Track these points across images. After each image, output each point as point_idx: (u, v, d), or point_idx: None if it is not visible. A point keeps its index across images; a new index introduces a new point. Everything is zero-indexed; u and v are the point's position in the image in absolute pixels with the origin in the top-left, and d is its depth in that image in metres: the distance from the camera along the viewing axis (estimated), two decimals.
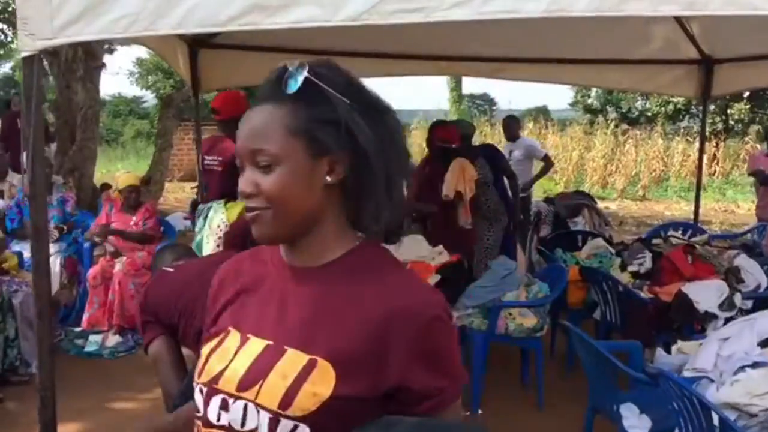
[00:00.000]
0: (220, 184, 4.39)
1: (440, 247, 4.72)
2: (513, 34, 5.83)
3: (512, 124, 7.86)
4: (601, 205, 13.84)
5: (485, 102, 37.83)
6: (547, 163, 7.73)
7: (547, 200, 6.82)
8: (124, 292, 5.26)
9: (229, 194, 4.35)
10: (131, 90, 30.83)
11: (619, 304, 4.46)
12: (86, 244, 5.66)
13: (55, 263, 5.46)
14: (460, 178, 5.12)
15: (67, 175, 9.82)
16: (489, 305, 4.31)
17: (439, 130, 5.51)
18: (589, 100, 22.13)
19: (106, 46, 16.01)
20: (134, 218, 5.65)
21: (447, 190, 5.02)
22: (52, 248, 5.52)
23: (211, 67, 6.00)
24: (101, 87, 10.63)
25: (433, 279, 4.43)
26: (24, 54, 2.11)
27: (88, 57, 9.94)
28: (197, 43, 5.82)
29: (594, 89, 20.84)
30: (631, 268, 4.78)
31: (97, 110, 10.32)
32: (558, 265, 4.78)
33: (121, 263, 5.43)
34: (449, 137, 5.28)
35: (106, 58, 26.35)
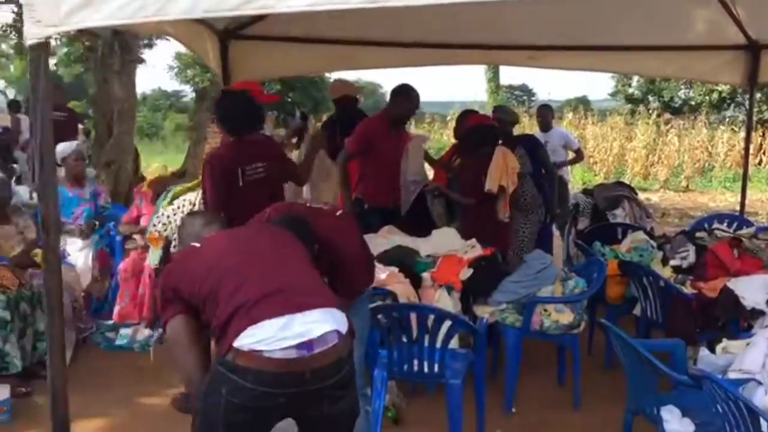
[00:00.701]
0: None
1: (473, 240, 4.58)
2: (548, 20, 5.67)
3: (546, 114, 7.74)
4: (642, 196, 13.49)
5: (523, 93, 37.42)
6: (578, 155, 7.62)
7: (586, 192, 6.61)
8: (155, 285, 5.22)
9: None
10: (171, 85, 31.24)
11: (660, 300, 4.27)
12: (118, 237, 5.65)
13: (87, 256, 5.47)
14: (503, 171, 4.97)
15: (104, 168, 9.92)
16: (523, 301, 4.17)
17: (473, 118, 5.38)
18: (630, 90, 21.68)
19: (145, 41, 16.17)
20: None
21: (491, 184, 4.86)
22: (84, 242, 5.55)
23: (242, 59, 5.95)
24: (142, 82, 10.73)
25: (465, 273, 4.30)
26: (30, 42, 2.04)
27: (124, 51, 9.97)
28: (228, 35, 5.78)
29: (635, 78, 20.38)
30: (673, 263, 4.59)
31: (134, 104, 10.35)
32: (596, 259, 4.60)
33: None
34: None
35: (146, 54, 26.57)
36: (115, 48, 9.97)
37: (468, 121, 5.29)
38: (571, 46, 6.22)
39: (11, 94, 27.34)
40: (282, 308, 2.20)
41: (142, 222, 5.62)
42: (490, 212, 4.98)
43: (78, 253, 5.49)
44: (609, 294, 4.71)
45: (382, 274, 4.14)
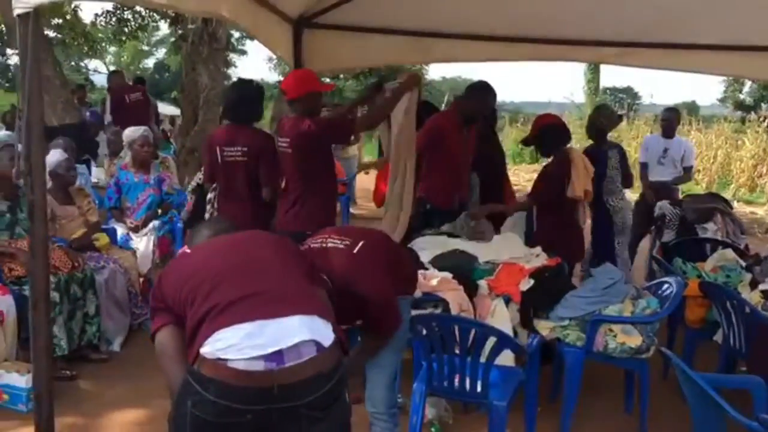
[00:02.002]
0: (290, 165, 4.14)
1: (537, 249, 4.25)
2: (644, 14, 5.21)
3: (672, 119, 6.85)
4: (747, 209, 12.66)
5: (627, 95, 36.02)
6: (686, 174, 6.76)
7: (674, 202, 6.08)
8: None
9: (303, 175, 4.11)
10: (273, 76, 31.97)
11: (745, 328, 3.81)
12: (179, 224, 5.62)
13: (149, 242, 5.45)
14: (586, 176, 4.62)
15: (188, 155, 10.06)
16: (587, 318, 3.81)
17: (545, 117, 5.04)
18: (741, 96, 20.36)
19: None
20: None
21: (577, 190, 4.51)
22: (146, 228, 5.54)
23: (316, 48, 5.78)
24: (245, 73, 10.85)
25: (526, 284, 3.98)
26: (18, 11, 1.90)
27: (212, 39, 10.09)
28: (302, 24, 5.63)
29: (747, 83, 19.11)
30: (762, 287, 4.09)
31: (219, 92, 10.44)
32: (673, 277, 4.16)
33: None
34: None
35: (248, 45, 26.90)
36: (204, 36, 10.12)
37: (540, 120, 4.94)
38: (668, 43, 5.71)
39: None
40: (253, 312, 1.97)
41: None
42: (569, 219, 4.63)
43: (141, 238, 5.49)
44: (688, 316, 4.28)
45: (434, 279, 3.89)
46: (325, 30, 5.76)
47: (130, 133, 5.72)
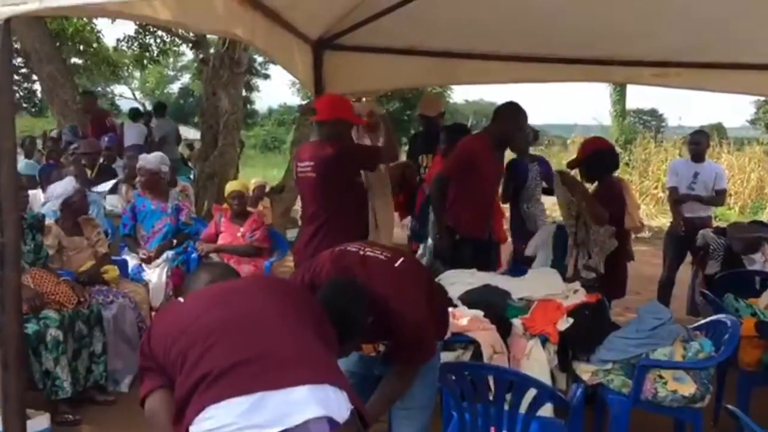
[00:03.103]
0: (313, 192, 3.86)
1: (576, 284, 3.92)
2: (683, 32, 4.90)
3: (701, 142, 6.51)
4: None
5: (653, 117, 35.53)
6: (718, 198, 6.44)
7: (717, 230, 5.70)
8: None
9: (327, 203, 3.84)
10: (295, 100, 32.09)
11: None
12: (194, 255, 5.36)
13: (162, 274, 5.20)
14: (635, 207, 4.31)
15: (207, 180, 9.87)
16: (634, 362, 3.46)
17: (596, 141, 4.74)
18: None
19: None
20: (242, 229, 5.30)
21: (636, 219, 4.22)
22: (159, 258, 5.29)
23: (337, 70, 5.54)
24: (269, 97, 10.71)
25: (564, 323, 3.65)
26: None
27: (232, 64, 9.93)
28: (322, 45, 5.40)
29: None
30: None
31: (240, 116, 10.28)
32: (728, 315, 3.80)
33: None
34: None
35: (271, 69, 27.00)
36: (225, 60, 9.97)
37: (589, 144, 4.63)
38: (704, 63, 5.40)
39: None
40: (251, 382, 1.66)
41: (220, 240, 5.32)
42: (621, 251, 4.31)
43: (153, 269, 5.24)
44: (742, 358, 3.90)
45: (464, 318, 3.58)
46: (346, 52, 5.53)
47: (145, 159, 5.50)
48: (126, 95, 35.76)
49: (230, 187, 5.55)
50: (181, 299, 2.05)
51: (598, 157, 4.41)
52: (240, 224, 5.34)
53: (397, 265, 2.45)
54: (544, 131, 32.54)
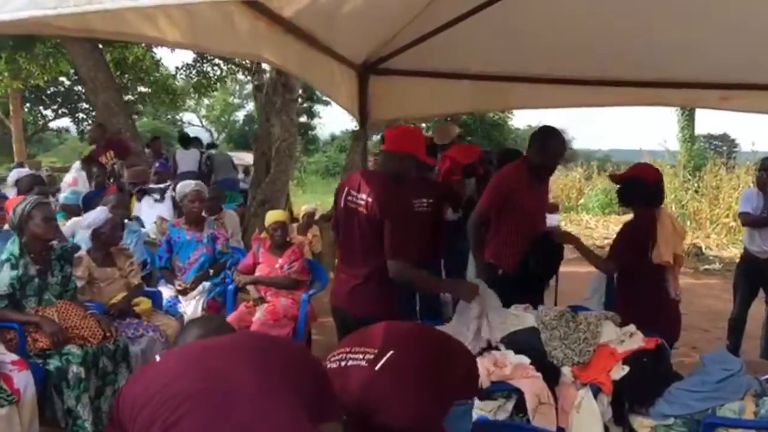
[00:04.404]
0: (364, 230, 3.43)
1: (631, 327, 3.54)
2: (751, 52, 4.50)
3: None
4: None
5: (724, 142, 34.28)
6: None
7: None
8: None
9: (371, 243, 3.41)
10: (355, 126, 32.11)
11: None
12: (231, 286, 5.18)
13: (197, 306, 5.04)
14: (675, 238, 3.91)
15: (259, 207, 9.79)
16: (698, 418, 3.08)
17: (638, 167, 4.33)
18: None
19: None
20: (280, 260, 5.09)
21: (664, 255, 3.79)
22: (196, 290, 5.13)
23: (383, 95, 5.35)
24: (333, 123, 10.64)
25: (619, 371, 3.30)
26: None
27: (285, 90, 9.87)
28: (367, 70, 5.20)
29: None
30: None
31: (292, 143, 10.19)
32: None
33: (261, 311, 4.87)
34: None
35: None
36: (278, 87, 9.93)
37: (633, 169, 4.26)
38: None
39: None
40: None
41: (258, 271, 5.13)
42: (655, 289, 3.89)
43: (189, 301, 5.08)
44: None
45: (507, 366, 3.26)
46: (392, 76, 5.32)
47: (181, 188, 5.38)
48: (194, 122, 36.68)
49: (272, 217, 5.35)
50: (158, 357, 1.82)
51: (633, 184, 4.03)
52: (279, 255, 5.13)
53: (378, 367, 2.14)
54: (607, 156, 31.73)
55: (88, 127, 17.62)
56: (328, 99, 32.03)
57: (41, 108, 21.95)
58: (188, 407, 1.55)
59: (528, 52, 4.82)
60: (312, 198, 15.96)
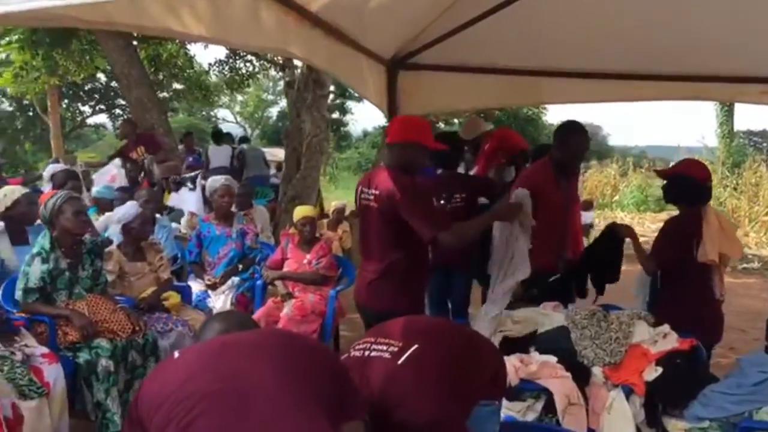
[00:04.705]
0: (377, 225, 3.45)
1: (665, 327, 3.45)
2: None
3: None
4: None
5: (764, 138, 33.50)
6: None
7: None
8: None
9: (391, 239, 3.43)
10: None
11: None
12: (259, 282, 5.18)
13: (226, 301, 5.05)
14: (722, 237, 3.78)
15: (289, 203, 9.80)
16: (734, 421, 2.99)
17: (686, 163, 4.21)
18: None
19: None
20: (308, 256, 5.08)
21: (710, 253, 3.67)
22: (225, 285, 5.15)
23: (412, 90, 5.28)
24: (365, 120, 10.62)
25: (652, 372, 3.22)
26: None
27: (316, 85, 9.86)
28: (396, 65, 5.16)
29: None
30: None
31: (323, 138, 10.18)
32: None
33: (288, 306, 4.87)
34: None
35: None
36: (309, 83, 9.92)
37: (679, 166, 4.14)
38: None
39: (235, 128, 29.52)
40: None
41: (286, 267, 5.12)
42: (699, 288, 3.77)
43: (218, 296, 5.10)
44: None
45: (534, 364, 3.20)
46: (421, 71, 5.26)
47: (211, 183, 5.39)
48: (228, 119, 36.97)
49: (300, 212, 5.34)
50: (176, 354, 1.80)
51: (677, 182, 3.91)
52: (307, 251, 5.12)
53: (401, 361, 2.09)
54: (643, 153, 31.21)
55: None
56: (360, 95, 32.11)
57: (79, 104, 22.29)
58: (204, 407, 1.53)
59: (560, 45, 4.72)
60: (344, 194, 15.95)
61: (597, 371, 3.26)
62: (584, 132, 4.21)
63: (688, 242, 3.70)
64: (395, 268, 3.39)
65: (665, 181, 4.04)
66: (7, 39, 10.60)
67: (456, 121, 19.54)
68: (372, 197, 3.46)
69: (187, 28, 2.32)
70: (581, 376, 3.22)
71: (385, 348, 2.14)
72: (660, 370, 3.21)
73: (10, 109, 21.72)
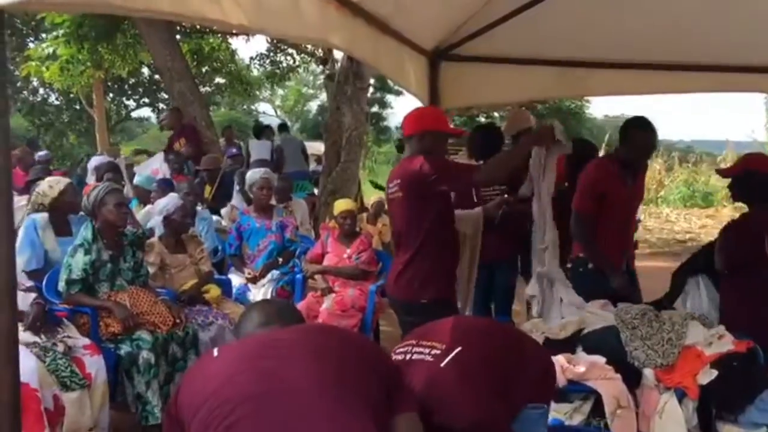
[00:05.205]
0: (402, 213, 3.45)
1: (720, 328, 3.31)
2: None
3: None
4: None
5: None
6: None
7: None
8: None
9: (416, 228, 3.40)
10: None
11: None
12: (299, 275, 5.15)
13: (267, 294, 5.03)
14: None
15: (329, 197, 9.78)
16: None
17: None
18: None
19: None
20: (348, 250, 5.02)
21: None
22: (265, 278, 5.13)
23: (454, 82, 5.17)
24: (404, 113, 10.61)
25: (707, 375, 3.08)
26: None
27: (356, 78, 9.81)
28: (438, 56, 5.06)
29: None
30: None
31: (362, 132, 10.14)
32: None
33: (329, 301, 4.82)
34: None
35: None
36: (349, 76, 9.87)
37: (745, 162, 3.98)
38: None
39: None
40: None
41: (326, 261, 5.08)
42: (764, 288, 3.59)
43: (259, 289, 5.08)
44: None
45: (582, 364, 3.09)
46: (464, 62, 5.14)
47: (251, 175, 5.37)
48: (269, 112, 37.21)
49: (341, 206, 5.29)
50: (215, 352, 1.74)
51: (748, 178, 3.74)
52: (347, 245, 5.07)
53: (444, 363, 2.01)
54: (689, 147, 30.47)
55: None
56: (399, 89, 31.91)
57: (123, 98, 22.64)
58: (243, 412, 1.48)
59: (609, 35, 4.57)
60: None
61: (648, 373, 3.14)
62: (651, 128, 4.06)
63: (760, 241, 3.54)
64: (421, 257, 3.39)
65: (730, 180, 3.89)
66: (54, 33, 10.78)
67: (496, 114, 19.30)
68: (396, 188, 3.49)
69: (226, 16, 2.27)
70: (632, 377, 3.11)
71: (427, 351, 2.06)
72: (715, 372, 3.07)
73: (57, 102, 22.12)
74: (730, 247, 3.65)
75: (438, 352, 2.06)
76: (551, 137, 3.63)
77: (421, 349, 2.09)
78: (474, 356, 2.05)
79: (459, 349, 2.05)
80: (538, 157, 3.79)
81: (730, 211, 13.66)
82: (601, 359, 3.12)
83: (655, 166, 21.11)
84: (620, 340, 3.25)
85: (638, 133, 4.00)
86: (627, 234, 4.16)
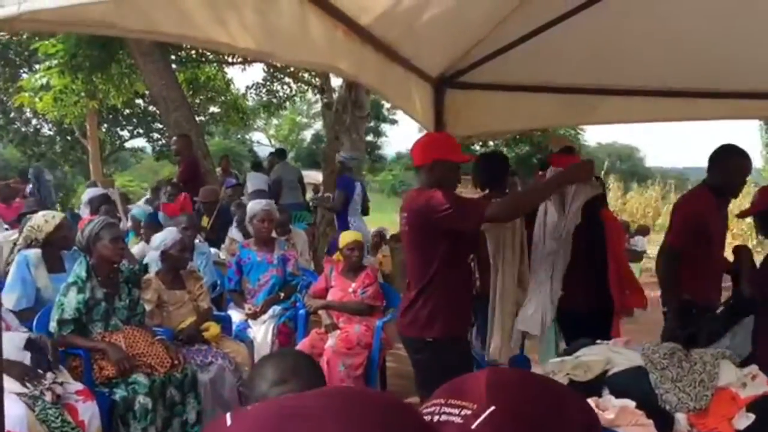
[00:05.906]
0: (410, 249, 3.30)
1: (753, 368, 3.11)
2: None
3: None
4: None
5: None
6: None
7: None
8: (333, 373, 4.40)
9: (423, 263, 3.22)
10: None
11: None
12: (302, 311, 4.95)
13: (268, 331, 4.83)
14: None
15: (327, 227, 9.60)
16: None
17: None
18: None
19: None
20: (353, 284, 4.82)
21: None
22: (266, 314, 4.93)
23: (460, 110, 5.03)
24: (398, 142, 10.47)
25: (743, 420, 2.88)
26: None
27: (354, 107, 9.70)
28: (443, 83, 4.92)
29: None
30: None
31: (361, 161, 10.00)
32: None
33: (333, 338, 4.61)
34: None
35: (399, 114, 27.05)
36: (347, 105, 9.76)
37: (762, 199, 3.83)
38: None
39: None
40: None
41: (330, 296, 4.88)
42: None
43: (259, 325, 4.87)
44: None
45: (611, 410, 2.88)
46: (470, 90, 5.01)
47: (251, 207, 5.19)
48: (263, 142, 37.20)
49: (347, 237, 5.08)
50: (228, 419, 1.53)
51: None
52: (352, 279, 4.87)
53: (476, 426, 1.80)
54: (682, 174, 30.49)
55: (162, 147, 17.96)
56: (394, 118, 31.99)
57: (117, 129, 22.50)
58: None
59: (618, 62, 4.45)
60: (378, 217, 15.71)
61: (681, 418, 2.94)
62: (746, 154, 3.93)
63: None
64: (427, 295, 3.21)
65: (753, 217, 3.75)
66: (48, 63, 10.64)
67: (491, 143, 19.22)
68: (404, 220, 3.33)
69: (233, 39, 2.11)
70: (663, 423, 2.90)
71: (457, 411, 1.83)
72: (752, 417, 2.88)
73: (50, 133, 21.97)
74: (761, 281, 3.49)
75: (469, 412, 1.83)
76: (591, 174, 3.40)
77: (450, 410, 1.86)
78: (508, 417, 1.83)
79: (492, 409, 1.83)
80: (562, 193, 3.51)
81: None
82: (630, 403, 2.92)
83: (651, 194, 21.06)
84: (649, 381, 3.06)
85: (734, 159, 3.88)
86: (721, 266, 4.00)
